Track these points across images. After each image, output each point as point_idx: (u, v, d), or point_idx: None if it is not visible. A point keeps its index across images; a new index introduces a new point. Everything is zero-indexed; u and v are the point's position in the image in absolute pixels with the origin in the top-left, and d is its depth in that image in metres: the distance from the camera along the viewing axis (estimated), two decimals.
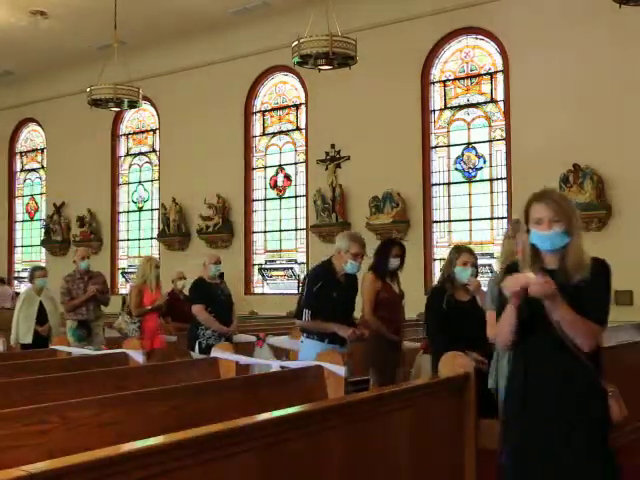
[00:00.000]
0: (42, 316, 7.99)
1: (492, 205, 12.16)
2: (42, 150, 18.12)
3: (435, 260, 12.49)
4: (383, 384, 5.30)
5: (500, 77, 12.15)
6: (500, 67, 12.13)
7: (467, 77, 12.60)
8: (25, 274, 18.12)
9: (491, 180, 12.20)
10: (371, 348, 5.84)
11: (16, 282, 18.32)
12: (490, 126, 12.27)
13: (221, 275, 7.20)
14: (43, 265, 8.88)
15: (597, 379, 2.87)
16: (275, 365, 5.44)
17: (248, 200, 14.60)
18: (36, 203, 18.29)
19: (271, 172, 14.59)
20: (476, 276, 5.09)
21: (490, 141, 12.26)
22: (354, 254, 5.26)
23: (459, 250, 5.08)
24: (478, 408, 3.95)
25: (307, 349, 5.32)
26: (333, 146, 13.32)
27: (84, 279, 7.94)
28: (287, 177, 14.41)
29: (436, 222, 12.64)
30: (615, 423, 2.91)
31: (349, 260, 5.27)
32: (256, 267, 14.53)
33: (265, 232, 14.59)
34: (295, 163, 14.33)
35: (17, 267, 18.48)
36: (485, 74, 12.41)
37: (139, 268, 7.91)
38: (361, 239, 5.43)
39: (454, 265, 4.98)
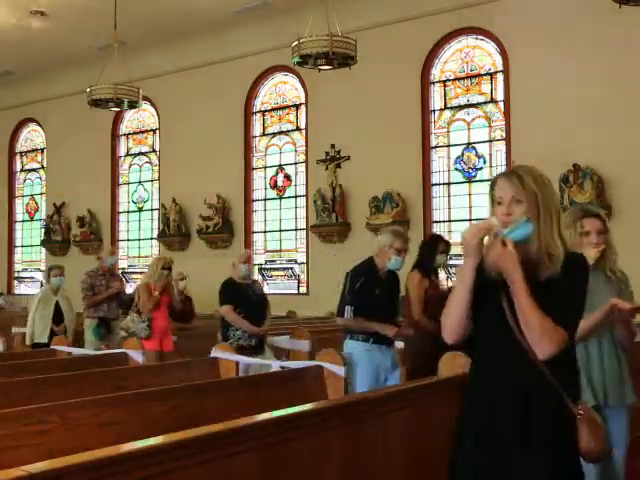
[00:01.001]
0: (58, 316, 7.91)
1: None
2: (42, 150, 18.11)
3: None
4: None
5: (500, 77, 12.15)
6: (500, 67, 12.13)
7: (467, 77, 12.60)
8: (25, 274, 18.20)
9: (491, 180, 12.18)
10: (419, 348, 5.46)
11: (16, 282, 18.34)
12: (490, 126, 12.27)
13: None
14: (60, 264, 8.81)
15: (563, 400, 2.29)
16: (275, 365, 5.44)
17: (248, 200, 14.60)
18: (36, 203, 18.29)
19: (271, 172, 14.59)
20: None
21: (490, 141, 12.25)
22: (398, 249, 5.20)
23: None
24: None
25: (351, 351, 5.15)
26: (333, 146, 13.32)
27: (106, 276, 7.87)
28: (287, 177, 14.41)
29: (436, 222, 12.63)
30: (585, 454, 2.31)
31: (393, 256, 5.20)
32: (256, 267, 14.53)
33: (265, 232, 14.59)
34: (295, 163, 14.33)
35: (17, 267, 18.48)
36: (485, 74, 12.41)
37: (149, 267, 7.86)
38: (404, 234, 5.36)
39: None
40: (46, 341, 7.69)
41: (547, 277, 2.29)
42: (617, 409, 3.39)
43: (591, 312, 3.20)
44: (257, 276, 14.46)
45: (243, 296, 6.67)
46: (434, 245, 5.85)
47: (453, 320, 2.40)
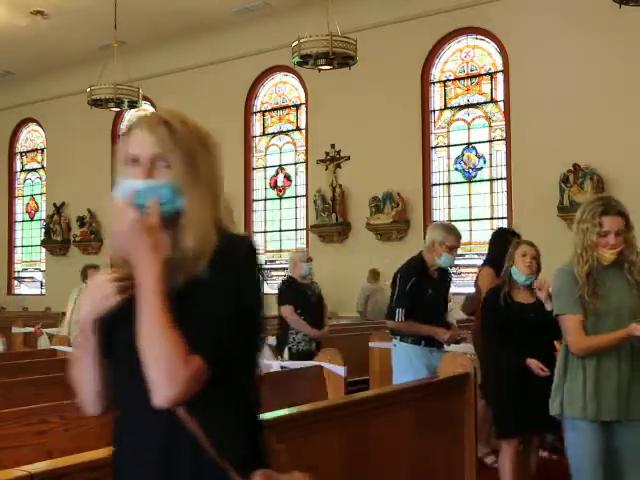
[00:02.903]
0: None
1: (492, 205, 12.15)
2: (42, 150, 18.12)
3: None
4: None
5: (500, 77, 12.15)
6: (500, 67, 12.13)
7: (467, 77, 12.60)
8: (25, 274, 18.20)
9: (491, 180, 12.20)
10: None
11: (16, 282, 18.34)
12: (490, 126, 12.27)
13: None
14: (94, 263, 8.37)
15: (218, 469, 1.46)
16: (275, 365, 5.42)
17: (248, 200, 14.60)
18: (36, 203, 18.29)
19: (271, 172, 14.59)
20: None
21: (490, 141, 12.26)
22: (450, 247, 4.83)
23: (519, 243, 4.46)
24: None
25: (401, 354, 4.84)
26: (333, 146, 13.32)
27: None
28: (287, 177, 14.41)
29: (436, 222, 12.63)
30: None
31: (444, 253, 4.83)
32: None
33: (265, 232, 14.59)
34: (295, 163, 14.33)
35: (17, 267, 18.48)
36: (485, 74, 12.41)
37: None
38: (457, 230, 5.01)
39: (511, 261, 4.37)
40: None
41: (189, 280, 1.49)
42: (631, 424, 3.15)
43: (598, 318, 3.11)
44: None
45: (303, 297, 6.23)
46: (505, 239, 5.24)
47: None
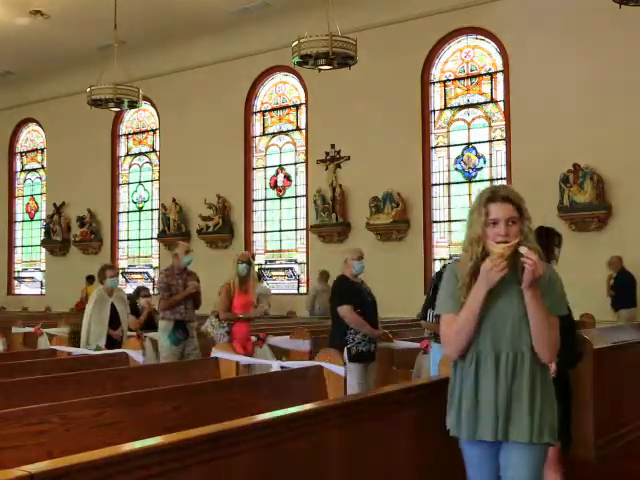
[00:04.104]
0: (114, 319, 7.26)
1: None
2: (42, 150, 18.12)
3: (435, 260, 12.49)
4: None
5: (500, 77, 12.16)
6: (500, 67, 12.14)
7: (467, 77, 12.60)
8: (25, 274, 18.20)
9: (491, 180, 12.19)
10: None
11: (16, 282, 18.34)
12: (490, 126, 12.27)
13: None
14: (112, 264, 7.96)
15: None
16: (275, 365, 5.43)
17: (248, 200, 14.60)
18: (36, 203, 18.29)
19: (271, 172, 14.59)
20: None
21: (490, 141, 12.26)
22: None
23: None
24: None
25: (437, 354, 4.78)
26: (333, 146, 13.32)
27: (182, 275, 7.28)
28: (287, 177, 14.41)
29: (436, 222, 12.63)
30: None
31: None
32: (256, 267, 14.52)
33: (265, 232, 14.59)
34: (295, 163, 14.33)
35: (17, 267, 18.48)
36: (485, 74, 12.41)
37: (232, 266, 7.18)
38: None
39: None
40: (102, 346, 7.03)
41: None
42: (521, 448, 2.78)
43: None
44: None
45: (360, 295, 6.06)
46: (551, 239, 4.95)
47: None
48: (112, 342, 7.05)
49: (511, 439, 2.76)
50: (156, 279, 14.26)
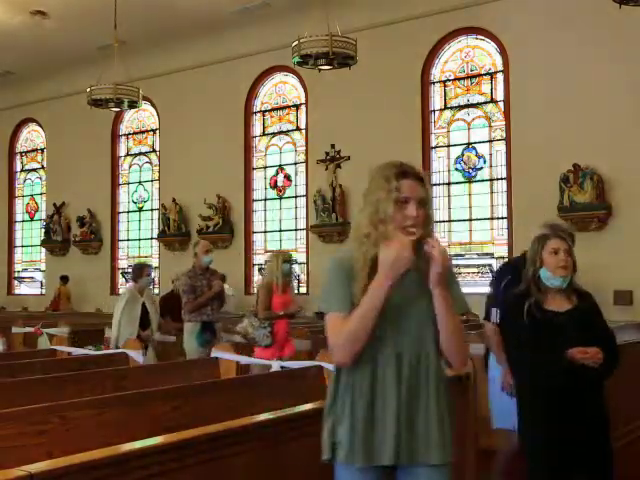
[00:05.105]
0: (144, 319, 7.08)
1: (492, 205, 12.15)
2: (42, 150, 18.11)
3: None
4: None
5: (500, 77, 12.15)
6: (500, 67, 12.13)
7: (467, 77, 12.60)
8: (25, 274, 18.19)
9: (491, 180, 12.20)
10: None
11: (16, 282, 18.34)
12: (490, 126, 12.27)
13: None
14: (149, 262, 7.62)
15: None
16: (275, 365, 5.42)
17: (248, 200, 14.59)
18: (36, 203, 18.28)
19: (271, 172, 14.58)
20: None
21: (490, 141, 12.25)
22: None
23: (546, 237, 3.59)
24: None
25: (495, 369, 4.57)
26: (333, 146, 13.32)
27: (205, 275, 7.15)
28: (287, 177, 14.41)
29: (436, 222, 12.62)
30: None
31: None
32: (256, 267, 14.52)
33: (265, 232, 14.58)
34: (295, 163, 14.33)
35: (17, 267, 18.48)
36: (485, 74, 12.41)
37: (267, 264, 7.07)
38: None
39: (536, 261, 3.51)
40: None
41: None
42: (430, 472, 2.32)
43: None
44: (257, 276, 14.46)
45: None
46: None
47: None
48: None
49: (420, 461, 2.29)
50: (156, 279, 14.25)
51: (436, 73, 12.77)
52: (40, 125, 17.96)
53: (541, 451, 3.30)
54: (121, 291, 7.50)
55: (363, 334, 2.26)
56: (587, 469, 3.29)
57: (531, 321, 3.35)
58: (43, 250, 17.64)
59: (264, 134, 14.72)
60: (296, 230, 14.18)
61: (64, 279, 16.04)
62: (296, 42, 9.08)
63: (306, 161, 13.93)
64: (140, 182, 16.48)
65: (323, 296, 2.36)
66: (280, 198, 14.45)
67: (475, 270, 12.06)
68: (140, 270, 7.26)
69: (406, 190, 2.34)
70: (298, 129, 14.29)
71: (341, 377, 2.37)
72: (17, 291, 18.24)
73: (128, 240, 16.55)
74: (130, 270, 16.14)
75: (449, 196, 12.57)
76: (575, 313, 3.38)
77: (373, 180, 2.45)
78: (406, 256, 2.25)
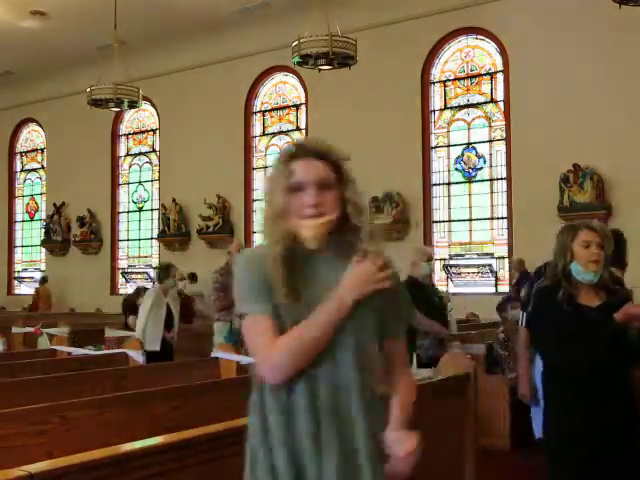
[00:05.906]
0: (169, 320, 6.91)
1: (492, 205, 12.15)
2: (42, 150, 18.12)
3: (435, 260, 12.48)
4: None
5: (500, 77, 12.15)
6: (500, 67, 12.13)
7: (467, 77, 12.60)
8: (25, 274, 18.19)
9: (491, 180, 12.20)
10: None
11: (16, 282, 18.33)
12: (490, 126, 12.27)
13: None
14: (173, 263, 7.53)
15: None
16: None
17: (248, 200, 14.59)
18: (36, 203, 18.29)
19: None
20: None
21: (490, 141, 12.25)
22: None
23: (576, 227, 3.37)
24: None
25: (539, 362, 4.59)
26: None
27: None
28: None
29: (436, 222, 12.63)
30: None
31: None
32: None
33: None
34: None
35: (17, 267, 18.48)
36: (485, 74, 12.41)
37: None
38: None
39: (567, 253, 3.29)
40: (158, 349, 6.64)
41: None
42: None
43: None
44: None
45: (428, 297, 5.75)
46: (619, 240, 4.41)
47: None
48: (166, 345, 6.80)
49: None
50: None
51: (436, 73, 12.77)
52: (40, 125, 17.96)
53: (574, 439, 3.13)
54: (146, 292, 7.34)
55: (311, 355, 1.87)
56: (619, 450, 3.12)
57: (566, 313, 3.15)
58: (43, 250, 17.64)
59: (264, 134, 14.72)
60: None
61: (43, 280, 16.11)
62: (296, 42, 9.08)
63: None
64: (140, 182, 16.48)
65: (240, 297, 1.94)
66: None
67: (475, 270, 12.06)
68: (167, 270, 7.10)
69: (300, 173, 1.92)
70: (298, 129, 14.29)
71: (269, 403, 2.03)
72: (17, 291, 18.24)
73: (128, 240, 16.55)
74: (129, 270, 16.24)
75: (449, 196, 12.57)
76: (605, 308, 3.17)
77: (273, 164, 2.03)
78: (385, 271, 1.94)
